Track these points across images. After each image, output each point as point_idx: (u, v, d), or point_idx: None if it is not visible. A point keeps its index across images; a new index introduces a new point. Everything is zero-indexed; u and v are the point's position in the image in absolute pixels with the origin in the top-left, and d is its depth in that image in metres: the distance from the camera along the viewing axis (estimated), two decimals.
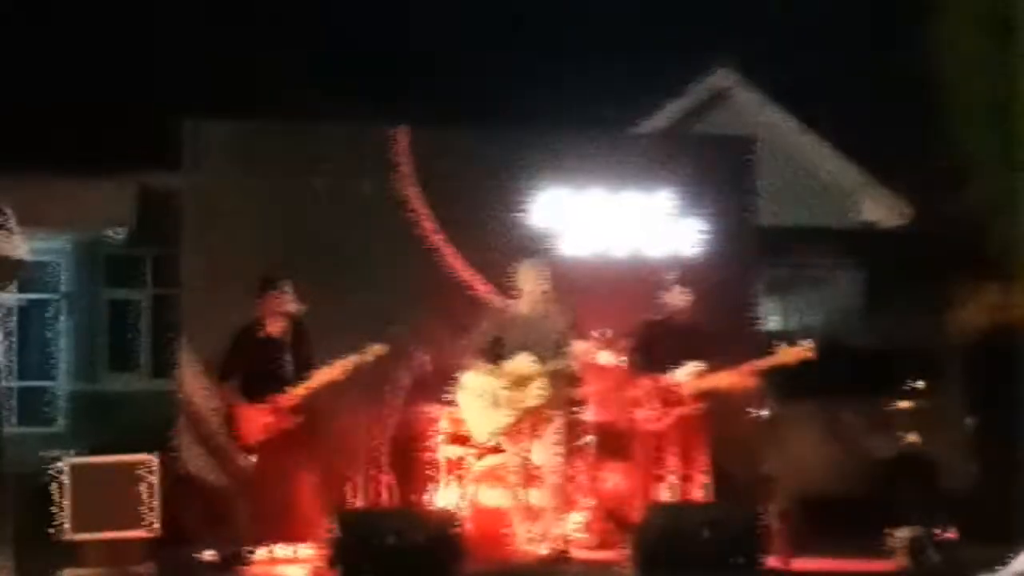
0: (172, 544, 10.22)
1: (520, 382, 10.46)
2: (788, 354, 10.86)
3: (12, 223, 7.84)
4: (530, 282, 10.63)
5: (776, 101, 20.10)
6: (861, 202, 19.89)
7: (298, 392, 10.27)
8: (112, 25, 18.02)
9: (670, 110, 20.12)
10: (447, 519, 9.83)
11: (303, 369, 10.36)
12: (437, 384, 11.04)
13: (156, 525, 10.09)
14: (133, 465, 10.23)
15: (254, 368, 10.43)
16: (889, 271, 16.42)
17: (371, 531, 9.34)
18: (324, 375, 10.26)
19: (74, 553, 9.90)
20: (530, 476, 10.53)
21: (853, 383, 13.64)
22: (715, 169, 12.85)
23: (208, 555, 10.25)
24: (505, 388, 10.47)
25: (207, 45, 17.82)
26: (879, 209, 19.73)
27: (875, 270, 17.31)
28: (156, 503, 10.14)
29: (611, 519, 11.03)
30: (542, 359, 10.45)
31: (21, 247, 7.90)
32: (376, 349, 10.20)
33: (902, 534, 10.40)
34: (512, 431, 10.53)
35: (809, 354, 10.81)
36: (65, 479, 10.08)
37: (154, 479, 10.18)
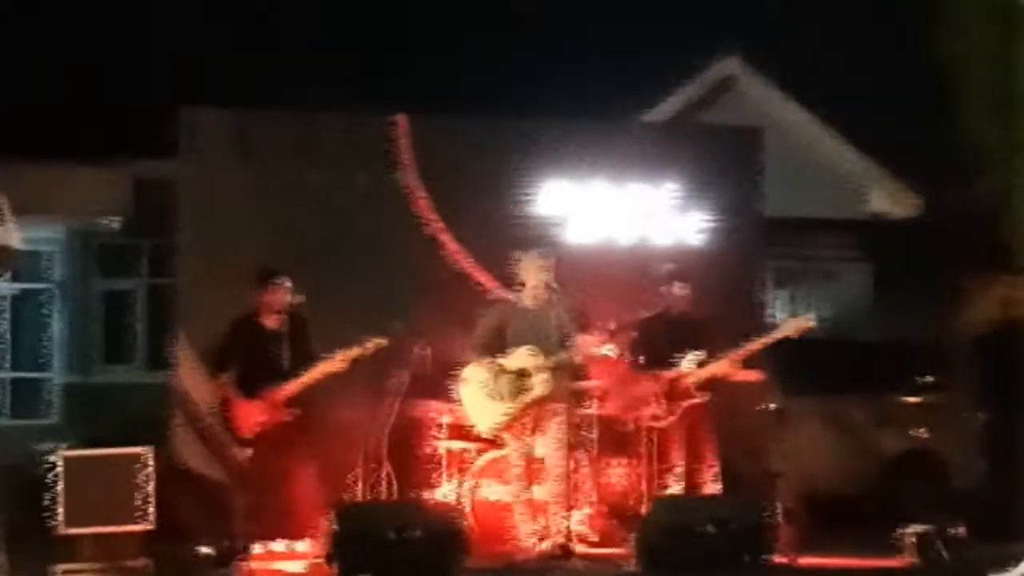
0: (168, 538, 10.13)
1: (523, 375, 10.32)
2: (790, 326, 10.85)
3: (6, 211, 7.76)
4: (533, 274, 10.46)
5: (783, 90, 20.01)
6: (870, 194, 19.80)
7: (296, 384, 10.14)
8: (109, 13, 17.96)
9: (675, 99, 20.01)
10: (448, 514, 9.78)
11: (301, 361, 10.24)
12: (438, 377, 10.89)
13: (151, 519, 10.03)
14: (128, 458, 10.18)
15: (251, 360, 10.30)
16: (899, 264, 16.35)
17: (370, 525, 9.22)
18: (323, 368, 10.13)
19: (68, 547, 9.84)
20: (533, 470, 10.40)
21: (861, 378, 13.57)
22: (721, 159, 12.70)
23: (204, 550, 10.13)
24: (508, 381, 10.33)
25: (205, 33, 17.77)
26: (888, 201, 19.65)
27: (884, 263, 17.27)
28: (151, 497, 10.07)
29: (615, 514, 10.95)
30: (545, 352, 10.31)
31: (15, 235, 7.81)
32: (376, 342, 10.09)
33: (911, 531, 10.30)
34: (514, 425, 10.39)
35: (811, 324, 10.77)
36: (59, 472, 10.00)
37: (149, 472, 10.12)
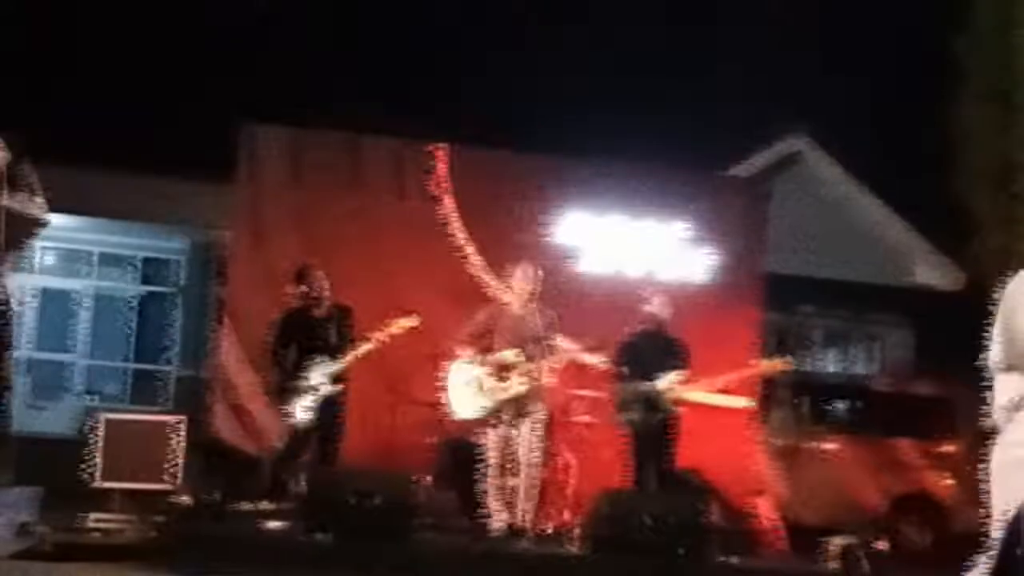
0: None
1: (504, 372, 11.10)
2: (766, 366, 11.76)
3: (33, 182, 8.21)
4: (520, 282, 11.30)
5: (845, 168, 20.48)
6: (916, 265, 20.36)
7: (342, 363, 11.19)
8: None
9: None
10: (405, 483, 10.64)
11: (345, 344, 11.27)
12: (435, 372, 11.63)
13: (178, 480, 11.06)
14: (162, 425, 11.27)
15: (302, 346, 11.30)
16: (937, 331, 16.72)
17: (334, 490, 10.19)
18: (363, 347, 11.18)
19: (101, 499, 10.86)
20: (505, 460, 11.14)
21: (864, 422, 14.66)
22: (728, 208, 13.69)
23: (184, 500, 10.88)
24: (488, 378, 11.12)
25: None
26: (934, 273, 20.19)
27: (924, 328, 18.08)
28: (180, 460, 11.12)
29: (574, 505, 11.78)
30: (527, 354, 11.08)
31: (42, 207, 8.31)
32: (407, 321, 11.21)
33: (837, 541, 11.03)
34: (492, 418, 11.17)
35: (786, 367, 11.64)
36: (100, 432, 11.03)
37: (180, 439, 11.16)
